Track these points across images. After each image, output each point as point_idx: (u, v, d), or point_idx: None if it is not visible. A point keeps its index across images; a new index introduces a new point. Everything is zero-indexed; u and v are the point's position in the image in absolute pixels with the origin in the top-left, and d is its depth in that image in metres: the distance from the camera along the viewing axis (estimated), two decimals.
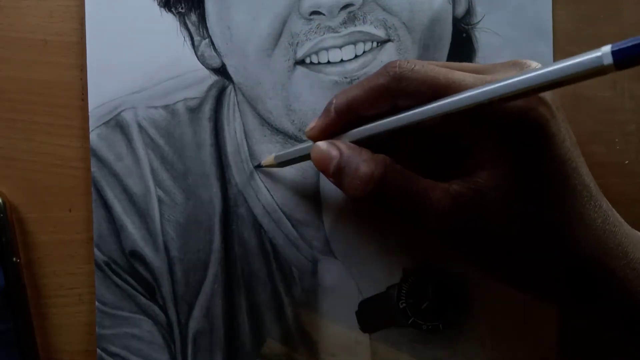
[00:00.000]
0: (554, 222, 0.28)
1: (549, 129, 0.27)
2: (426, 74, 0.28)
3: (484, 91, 0.25)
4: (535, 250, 0.28)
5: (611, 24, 0.38)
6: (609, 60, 0.22)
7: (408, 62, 0.29)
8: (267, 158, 0.36)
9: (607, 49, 0.22)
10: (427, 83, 0.28)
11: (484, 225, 0.28)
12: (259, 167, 0.36)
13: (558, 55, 0.37)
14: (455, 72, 0.28)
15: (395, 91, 0.29)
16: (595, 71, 0.23)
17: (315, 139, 0.32)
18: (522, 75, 0.24)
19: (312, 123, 0.32)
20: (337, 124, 0.31)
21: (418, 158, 0.31)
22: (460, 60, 0.37)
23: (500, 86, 0.25)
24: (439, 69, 0.29)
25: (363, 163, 0.29)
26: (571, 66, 0.23)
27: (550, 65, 0.24)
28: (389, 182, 0.29)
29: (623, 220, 0.29)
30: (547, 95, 0.27)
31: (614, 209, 0.29)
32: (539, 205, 0.28)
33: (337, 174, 0.30)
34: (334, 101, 0.31)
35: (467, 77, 0.28)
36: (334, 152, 0.30)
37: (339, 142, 0.31)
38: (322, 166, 0.31)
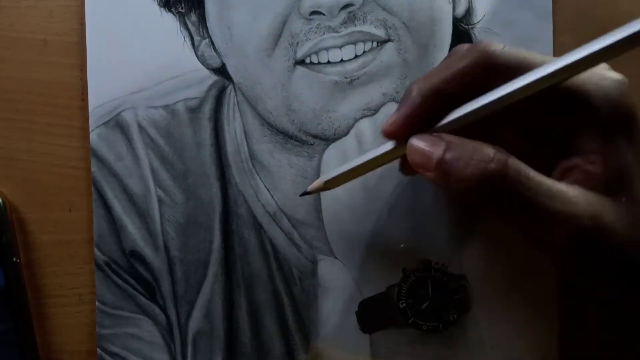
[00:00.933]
0: None
1: (638, 113, 0.27)
2: (517, 53, 0.28)
3: (573, 58, 0.26)
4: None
5: (611, 22, 0.38)
6: None
7: (498, 43, 0.28)
8: (315, 183, 0.33)
9: None
10: (519, 60, 0.27)
11: (614, 222, 0.26)
12: (305, 194, 0.34)
13: (558, 54, 0.37)
14: (540, 55, 0.28)
15: (487, 69, 0.28)
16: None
17: (396, 134, 0.30)
18: (599, 43, 0.26)
19: (391, 118, 0.30)
20: (422, 113, 0.29)
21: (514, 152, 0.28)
22: None
23: (585, 54, 0.26)
24: (528, 51, 0.28)
25: (480, 146, 0.26)
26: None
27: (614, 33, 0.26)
28: (511, 170, 0.26)
29: None
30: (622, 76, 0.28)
31: None
32: None
33: (443, 164, 0.27)
34: (415, 87, 0.29)
35: (552, 58, 0.27)
36: (439, 143, 0.27)
37: (442, 134, 0.28)
38: (424, 157, 0.28)
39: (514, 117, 0.29)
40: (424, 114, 0.29)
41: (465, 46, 0.29)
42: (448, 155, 0.27)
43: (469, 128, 0.28)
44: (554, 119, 0.28)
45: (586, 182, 0.27)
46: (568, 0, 0.37)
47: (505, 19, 0.37)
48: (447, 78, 0.28)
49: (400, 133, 0.30)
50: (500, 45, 0.28)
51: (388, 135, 0.30)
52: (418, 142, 0.28)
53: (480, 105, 0.28)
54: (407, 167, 0.32)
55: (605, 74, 0.28)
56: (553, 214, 0.26)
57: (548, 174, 0.28)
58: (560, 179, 0.28)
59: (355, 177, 0.32)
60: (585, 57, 0.26)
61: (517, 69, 0.27)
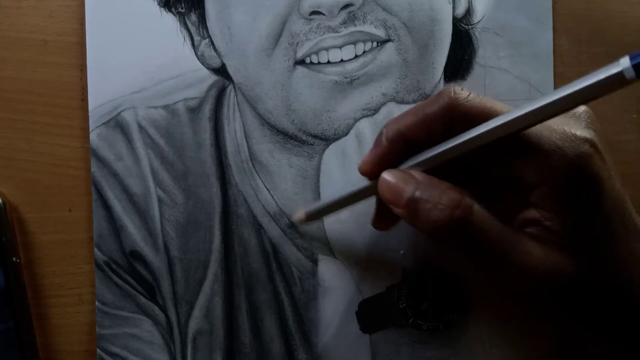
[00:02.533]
0: (615, 263, 0.27)
1: (602, 175, 0.27)
2: (481, 103, 0.28)
3: (531, 109, 0.26)
4: (596, 294, 0.28)
5: (611, 21, 0.38)
6: (630, 73, 0.23)
7: (463, 90, 0.29)
8: (297, 214, 0.35)
9: (625, 61, 0.23)
10: (483, 111, 0.28)
11: (569, 272, 0.27)
12: (293, 225, 0.37)
13: (558, 55, 0.37)
14: (504, 105, 0.29)
15: (450, 118, 0.29)
16: (617, 84, 0.24)
17: (368, 173, 0.31)
18: (559, 93, 0.26)
19: (365, 157, 0.31)
20: (390, 154, 0.30)
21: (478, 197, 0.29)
22: (460, 60, 0.37)
23: (542, 105, 0.26)
24: (494, 101, 0.29)
25: (447, 190, 0.28)
26: (596, 81, 0.25)
27: (576, 83, 0.25)
28: (475, 218, 0.27)
29: None
30: (594, 137, 0.28)
31: None
32: (601, 248, 0.27)
33: (412, 203, 0.28)
34: (384, 131, 0.31)
35: (513, 109, 0.28)
36: (410, 180, 0.29)
37: (412, 171, 0.29)
38: (394, 193, 0.29)
39: (478, 163, 0.30)
40: (392, 155, 0.30)
41: (441, 91, 0.30)
42: (417, 194, 0.28)
43: (437, 169, 0.29)
44: (514, 170, 0.28)
45: (544, 237, 0.28)
46: (567, 0, 0.37)
47: (505, 19, 0.37)
48: (411, 124, 0.30)
49: (371, 172, 0.31)
50: (465, 93, 0.29)
51: (362, 173, 0.32)
52: (389, 177, 0.30)
53: (441, 150, 0.29)
54: (378, 222, 0.34)
55: (572, 136, 0.28)
56: (512, 264, 0.27)
57: (509, 221, 0.29)
58: (520, 228, 0.29)
59: (334, 211, 0.34)
60: (541, 106, 0.26)
61: (480, 116, 0.28)
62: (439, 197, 0.27)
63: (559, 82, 0.37)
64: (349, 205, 0.33)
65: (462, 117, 0.28)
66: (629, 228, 0.28)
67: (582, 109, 0.29)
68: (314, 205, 0.35)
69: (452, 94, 0.29)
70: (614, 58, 0.38)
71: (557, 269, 0.27)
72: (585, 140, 0.27)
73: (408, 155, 0.30)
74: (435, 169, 0.29)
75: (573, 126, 0.28)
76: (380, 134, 0.31)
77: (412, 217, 0.28)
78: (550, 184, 0.27)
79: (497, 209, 0.28)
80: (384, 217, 0.34)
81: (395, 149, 0.30)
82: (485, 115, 0.28)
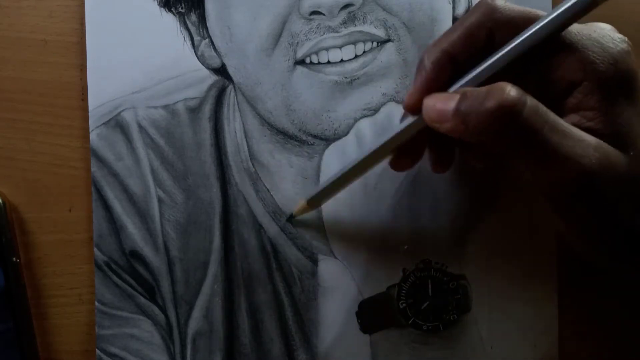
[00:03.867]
0: None
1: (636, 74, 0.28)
2: (518, 7, 0.29)
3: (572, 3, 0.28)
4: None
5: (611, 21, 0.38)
6: None
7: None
8: (298, 205, 0.36)
9: None
10: (522, 15, 0.29)
11: (611, 179, 0.27)
12: (291, 218, 0.37)
13: None
14: (540, 11, 0.29)
15: (491, 25, 0.29)
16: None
17: (417, 104, 0.30)
18: None
19: (409, 91, 0.31)
20: (435, 78, 0.30)
21: None
22: None
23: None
24: (527, 8, 0.29)
25: (496, 85, 0.27)
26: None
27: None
28: (528, 108, 0.26)
29: None
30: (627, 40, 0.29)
31: None
32: None
33: (459, 111, 0.27)
34: (425, 56, 0.30)
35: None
36: (452, 96, 0.28)
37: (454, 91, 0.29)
38: (439, 114, 0.28)
39: (518, 73, 0.29)
40: (437, 80, 0.30)
41: (478, 2, 0.30)
42: (463, 103, 0.27)
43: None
44: (558, 69, 0.29)
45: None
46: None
47: None
48: (454, 40, 0.29)
49: (418, 103, 0.30)
50: (502, 1, 0.29)
51: (409, 108, 0.31)
52: (432, 99, 0.29)
53: (489, 63, 0.29)
54: (397, 163, 0.34)
55: (609, 34, 0.29)
56: (564, 152, 0.26)
57: None
58: None
59: (344, 184, 0.34)
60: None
61: (519, 20, 0.29)
62: (486, 92, 0.27)
63: None
64: (359, 176, 0.33)
65: (502, 23, 0.29)
66: None
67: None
68: (316, 189, 0.34)
69: (490, 2, 0.29)
70: None
71: (607, 162, 0.27)
72: (623, 39, 0.29)
73: (453, 79, 0.30)
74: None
75: (608, 29, 0.29)
76: (421, 61, 0.30)
77: (462, 125, 0.27)
78: (593, 78, 0.28)
79: None
80: (439, 155, 0.34)
81: (440, 72, 0.30)
82: (525, 18, 0.28)
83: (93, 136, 0.36)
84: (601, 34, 0.29)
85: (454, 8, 0.37)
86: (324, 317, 0.37)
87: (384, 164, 0.35)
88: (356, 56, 0.36)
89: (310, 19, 0.36)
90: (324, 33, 0.36)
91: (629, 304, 0.37)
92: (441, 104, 0.28)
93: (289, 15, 0.36)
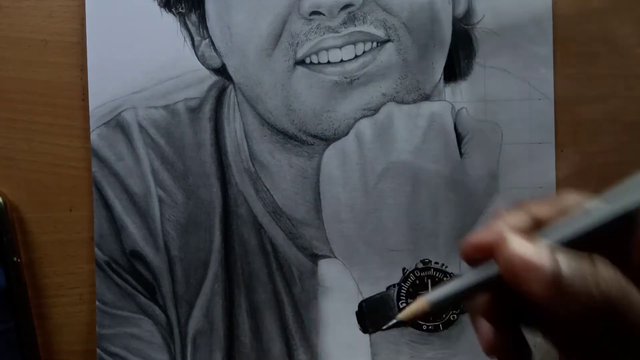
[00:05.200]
0: None
1: None
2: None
3: None
4: None
5: (611, 19, 0.38)
6: None
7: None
8: (418, 303, 0.24)
9: None
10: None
11: None
12: (389, 327, 0.25)
13: (558, 55, 0.37)
14: None
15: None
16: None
17: (478, 249, 0.24)
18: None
19: (475, 235, 0.24)
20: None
21: None
22: (460, 60, 0.37)
23: None
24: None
25: (600, 264, 0.21)
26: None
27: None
28: (632, 298, 0.21)
29: None
30: None
31: None
32: None
33: (556, 280, 0.21)
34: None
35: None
36: (546, 253, 0.22)
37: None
38: (527, 271, 0.22)
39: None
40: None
41: None
42: (566, 270, 0.21)
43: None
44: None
45: None
46: (567, 0, 0.37)
47: (505, 20, 0.37)
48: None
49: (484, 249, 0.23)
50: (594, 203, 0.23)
51: (472, 251, 0.24)
52: (520, 247, 0.22)
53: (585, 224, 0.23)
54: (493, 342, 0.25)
55: None
56: None
57: None
58: None
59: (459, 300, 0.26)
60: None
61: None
62: (594, 274, 0.21)
63: (558, 82, 0.37)
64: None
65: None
66: None
67: None
68: (438, 293, 0.24)
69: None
70: (613, 58, 0.38)
71: None
72: None
73: None
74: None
75: None
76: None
77: (557, 298, 0.21)
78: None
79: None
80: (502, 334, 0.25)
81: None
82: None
83: (94, 136, 0.37)
84: None
85: (454, 8, 0.37)
86: (324, 317, 0.37)
87: (386, 165, 0.35)
88: (356, 56, 0.36)
89: (310, 19, 0.36)
90: (324, 33, 0.36)
91: None
92: (530, 258, 0.22)
93: (289, 16, 0.36)
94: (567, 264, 0.21)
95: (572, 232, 0.22)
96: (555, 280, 0.21)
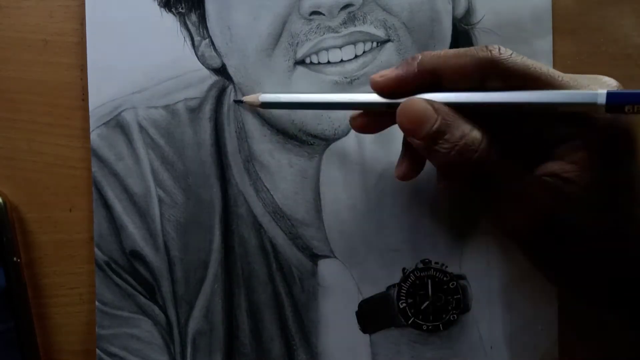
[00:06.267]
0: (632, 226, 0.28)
1: (634, 134, 0.28)
2: (523, 63, 0.28)
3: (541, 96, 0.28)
4: (613, 247, 0.28)
5: (611, 22, 0.38)
6: (602, 100, 0.27)
7: (507, 49, 0.29)
8: (250, 97, 0.35)
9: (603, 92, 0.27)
10: (520, 72, 0.28)
11: (577, 218, 0.28)
12: (239, 102, 0.36)
13: (558, 55, 0.37)
14: (546, 67, 0.29)
15: (489, 70, 0.28)
16: (588, 107, 0.27)
17: (383, 90, 0.31)
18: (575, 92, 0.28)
19: (384, 72, 0.31)
20: (414, 81, 0.30)
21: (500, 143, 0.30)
22: None
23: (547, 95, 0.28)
24: (533, 62, 0.29)
25: (470, 128, 0.28)
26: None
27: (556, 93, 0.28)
28: (491, 156, 0.28)
29: None
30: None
31: None
32: (625, 200, 0.28)
33: (434, 136, 0.28)
34: (419, 57, 0.30)
35: (555, 72, 0.28)
36: (433, 114, 0.28)
37: (436, 103, 0.29)
38: (415, 124, 0.29)
39: (509, 116, 0.30)
40: (416, 83, 0.30)
41: (488, 45, 0.29)
42: (437, 128, 0.28)
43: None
44: (550, 127, 0.29)
45: (558, 187, 0.28)
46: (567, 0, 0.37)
47: (505, 19, 0.37)
48: (451, 62, 0.29)
49: (387, 89, 0.31)
50: (509, 52, 0.29)
51: (376, 86, 0.31)
52: (414, 104, 0.29)
53: (472, 101, 0.29)
54: (402, 172, 0.34)
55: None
56: (519, 207, 0.28)
57: (528, 167, 0.29)
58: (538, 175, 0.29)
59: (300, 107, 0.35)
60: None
61: (518, 78, 0.28)
62: (458, 137, 0.28)
63: None
64: (324, 109, 0.35)
65: (502, 73, 0.28)
66: None
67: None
68: (276, 96, 0.35)
69: (497, 49, 0.28)
70: (613, 58, 0.38)
71: (562, 197, 0.28)
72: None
73: (429, 89, 0.30)
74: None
75: (613, 85, 0.29)
76: (413, 58, 0.30)
77: (428, 152, 0.29)
78: (585, 137, 0.28)
79: (516, 155, 0.29)
80: (409, 162, 0.33)
81: (421, 79, 0.30)
82: (523, 74, 0.28)
83: (93, 136, 0.37)
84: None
85: (454, 8, 0.37)
86: (324, 317, 0.37)
87: (386, 165, 0.35)
88: (356, 56, 0.36)
89: (310, 19, 0.36)
90: (324, 33, 0.36)
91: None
92: (419, 116, 0.29)
93: (289, 16, 0.36)
94: (441, 127, 0.28)
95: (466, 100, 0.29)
96: (427, 137, 0.28)
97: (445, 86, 0.30)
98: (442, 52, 0.30)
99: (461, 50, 0.29)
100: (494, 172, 0.28)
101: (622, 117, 0.28)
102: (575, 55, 0.37)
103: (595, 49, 0.37)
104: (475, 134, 0.28)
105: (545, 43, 0.37)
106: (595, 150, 0.28)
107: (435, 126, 0.28)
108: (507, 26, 0.37)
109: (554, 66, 0.37)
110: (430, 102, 0.29)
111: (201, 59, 0.37)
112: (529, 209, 0.28)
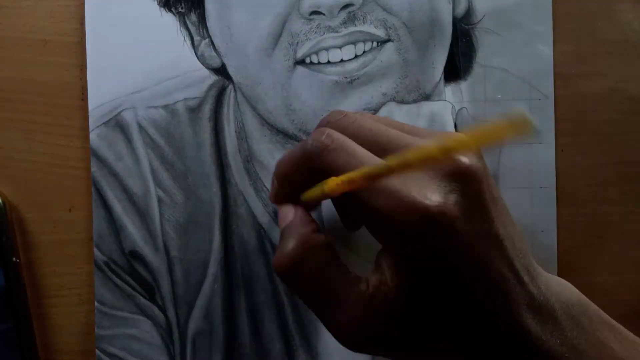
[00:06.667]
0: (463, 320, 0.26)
1: (454, 231, 0.25)
2: (333, 160, 0.27)
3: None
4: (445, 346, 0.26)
5: (611, 23, 0.38)
6: None
7: (325, 138, 0.27)
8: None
9: None
10: (341, 168, 0.26)
11: (396, 329, 0.27)
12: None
13: (558, 54, 0.37)
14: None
15: (313, 165, 0.28)
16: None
17: (277, 204, 0.32)
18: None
19: (271, 190, 0.33)
20: (282, 190, 0.31)
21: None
22: (460, 60, 0.37)
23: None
24: (360, 149, 0.27)
25: (293, 237, 0.29)
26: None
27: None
28: (305, 266, 0.28)
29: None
30: (457, 201, 0.25)
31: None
32: (447, 305, 0.26)
33: (281, 236, 0.30)
34: (274, 171, 0.32)
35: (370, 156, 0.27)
36: (289, 216, 0.31)
37: (296, 207, 0.31)
38: (280, 224, 0.31)
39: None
40: (286, 190, 0.31)
41: (315, 133, 0.28)
42: (282, 229, 0.31)
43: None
44: (367, 222, 0.28)
45: (380, 284, 0.27)
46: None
47: (505, 19, 0.37)
48: (287, 168, 0.30)
49: (278, 202, 0.32)
50: (338, 142, 0.27)
51: (275, 203, 0.33)
52: (280, 210, 0.32)
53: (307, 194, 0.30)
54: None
55: (422, 204, 0.25)
56: (333, 310, 0.29)
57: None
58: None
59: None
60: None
61: (337, 170, 0.27)
62: (284, 245, 0.29)
63: (559, 82, 0.37)
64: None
65: (325, 166, 0.27)
66: (491, 278, 0.25)
67: (462, 160, 0.25)
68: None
69: (308, 148, 0.28)
70: (613, 58, 0.38)
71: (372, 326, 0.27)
72: (441, 209, 0.24)
73: (302, 183, 0.30)
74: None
75: (433, 189, 0.25)
76: (273, 174, 0.32)
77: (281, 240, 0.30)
78: (391, 248, 0.27)
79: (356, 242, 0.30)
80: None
81: (286, 187, 0.31)
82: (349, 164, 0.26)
83: (93, 136, 0.36)
84: (417, 200, 0.25)
85: (454, 8, 0.37)
86: None
87: None
88: (356, 56, 0.36)
89: (310, 19, 0.36)
90: (324, 33, 0.36)
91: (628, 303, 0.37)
92: (280, 217, 0.31)
93: (289, 15, 0.36)
94: (290, 223, 0.30)
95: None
96: (281, 233, 0.30)
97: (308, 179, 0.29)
98: (286, 156, 0.30)
99: (296, 151, 0.29)
100: (312, 272, 0.28)
101: (436, 228, 0.24)
102: (575, 55, 0.37)
103: (595, 49, 0.37)
104: (290, 243, 0.29)
105: (546, 44, 0.37)
106: (407, 261, 0.26)
107: (282, 227, 0.31)
108: (508, 26, 0.37)
109: (555, 66, 0.37)
110: (288, 207, 0.31)
111: (201, 58, 0.37)
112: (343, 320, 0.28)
